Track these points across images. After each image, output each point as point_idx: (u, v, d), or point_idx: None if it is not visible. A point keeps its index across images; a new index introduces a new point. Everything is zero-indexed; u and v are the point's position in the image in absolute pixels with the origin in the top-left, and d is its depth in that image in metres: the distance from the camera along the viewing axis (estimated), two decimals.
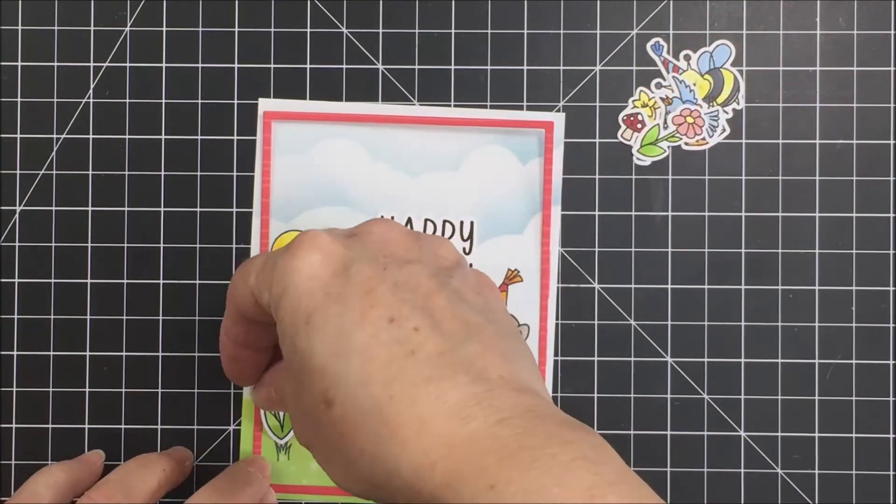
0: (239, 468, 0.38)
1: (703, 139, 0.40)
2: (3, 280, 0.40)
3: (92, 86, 0.40)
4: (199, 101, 0.40)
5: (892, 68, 0.40)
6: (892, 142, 0.40)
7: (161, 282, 0.40)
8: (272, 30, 0.40)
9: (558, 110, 0.40)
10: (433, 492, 0.24)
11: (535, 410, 0.25)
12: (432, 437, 0.24)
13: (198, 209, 0.40)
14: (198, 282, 0.40)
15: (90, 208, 0.40)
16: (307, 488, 0.39)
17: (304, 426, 0.28)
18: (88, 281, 0.40)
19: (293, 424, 0.28)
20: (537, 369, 0.28)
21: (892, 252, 0.39)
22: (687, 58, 0.39)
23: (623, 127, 0.39)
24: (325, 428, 0.26)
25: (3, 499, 0.39)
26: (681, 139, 0.39)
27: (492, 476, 0.23)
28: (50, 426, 0.40)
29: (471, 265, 0.40)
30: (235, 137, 0.40)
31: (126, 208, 0.40)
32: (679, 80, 0.39)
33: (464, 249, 0.40)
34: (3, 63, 0.40)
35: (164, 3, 0.40)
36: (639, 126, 0.39)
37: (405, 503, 0.25)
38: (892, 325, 0.39)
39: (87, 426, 0.40)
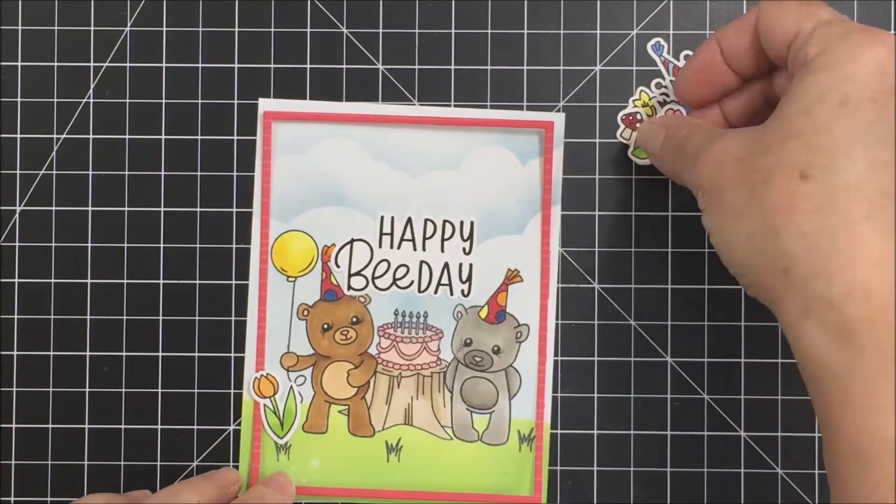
0: (255, 491, 0.38)
1: None
2: (3, 280, 0.40)
3: (92, 86, 0.40)
4: (199, 101, 0.40)
5: None
6: None
7: (161, 282, 0.40)
8: (272, 30, 0.40)
9: (558, 110, 0.40)
10: (848, 315, 0.26)
11: None
12: (884, 277, 0.26)
13: (198, 209, 0.40)
14: (198, 282, 0.40)
15: (90, 208, 0.40)
16: (307, 489, 0.39)
17: (730, 172, 0.30)
18: (88, 281, 0.40)
19: (703, 165, 0.31)
20: None
21: None
22: (687, 58, 0.39)
23: (622, 126, 0.39)
24: (776, 191, 0.28)
25: (7, 499, 0.39)
26: None
27: None
28: (50, 426, 0.40)
29: (470, 265, 0.40)
30: (235, 137, 0.40)
31: (126, 208, 0.40)
32: None
33: (464, 249, 0.40)
34: (3, 63, 0.40)
35: (164, 3, 0.40)
36: (637, 125, 0.39)
37: (795, 305, 0.27)
38: None
39: (87, 426, 0.40)
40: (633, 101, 0.39)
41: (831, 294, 0.27)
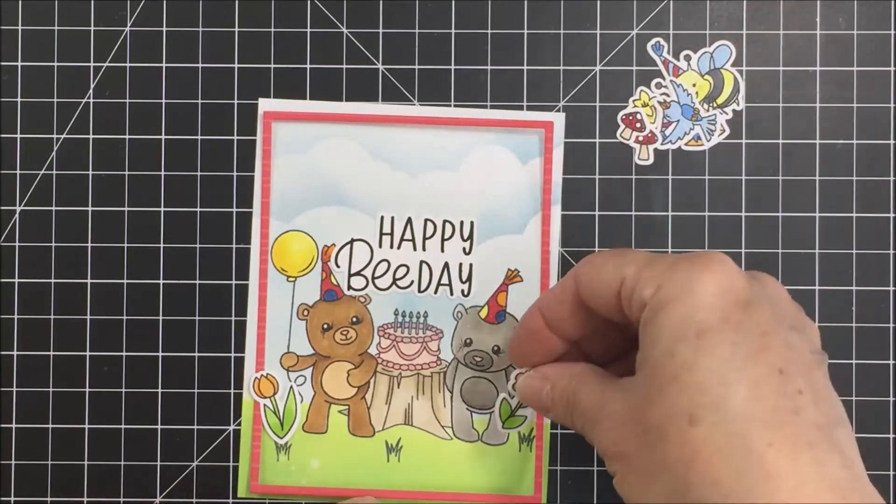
0: None
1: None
2: (3, 280, 0.40)
3: (92, 86, 0.40)
4: (199, 101, 0.40)
5: (892, 68, 0.40)
6: (892, 142, 0.40)
7: (161, 282, 0.40)
8: (272, 30, 0.40)
9: (558, 110, 0.40)
10: None
11: None
12: (807, 500, 0.25)
13: (198, 209, 0.40)
14: (198, 282, 0.40)
15: (90, 208, 0.40)
16: (307, 489, 0.39)
17: (627, 435, 0.28)
18: (88, 281, 0.40)
19: (601, 432, 0.29)
20: None
21: (892, 252, 0.39)
22: (687, 58, 0.39)
23: (622, 126, 0.39)
24: (673, 445, 0.26)
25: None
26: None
27: None
28: (50, 426, 0.40)
29: (470, 265, 0.40)
30: (235, 137, 0.40)
31: (126, 208, 0.40)
32: (677, 84, 0.39)
33: (464, 249, 0.40)
34: (3, 63, 0.40)
35: (164, 3, 0.40)
36: (637, 125, 0.39)
37: None
38: (892, 325, 0.39)
39: (87, 426, 0.40)
40: (633, 101, 0.40)
41: None
